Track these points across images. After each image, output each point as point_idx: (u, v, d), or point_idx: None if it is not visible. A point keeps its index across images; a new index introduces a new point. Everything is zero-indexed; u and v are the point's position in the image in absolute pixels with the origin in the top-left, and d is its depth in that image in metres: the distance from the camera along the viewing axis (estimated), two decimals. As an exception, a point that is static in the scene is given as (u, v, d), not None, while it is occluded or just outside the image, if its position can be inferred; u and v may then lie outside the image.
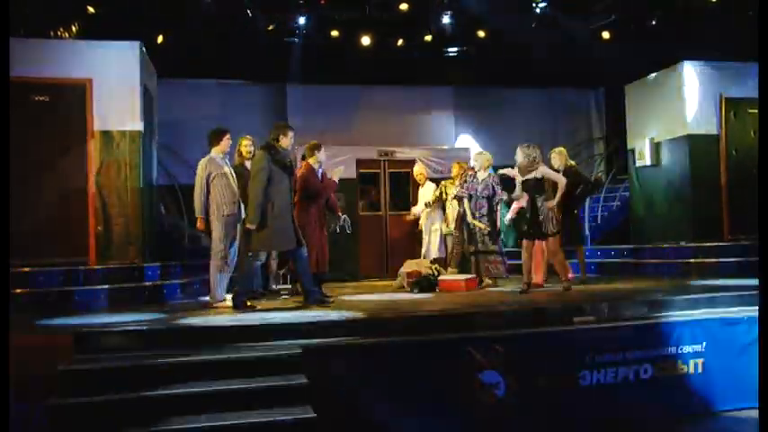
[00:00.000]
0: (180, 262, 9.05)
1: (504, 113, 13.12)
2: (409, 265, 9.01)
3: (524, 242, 7.99)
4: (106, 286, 7.72)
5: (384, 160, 12.21)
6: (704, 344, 6.31)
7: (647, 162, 11.03)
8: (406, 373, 5.53)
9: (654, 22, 10.71)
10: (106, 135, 8.38)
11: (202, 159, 7.22)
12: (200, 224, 7.22)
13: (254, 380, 4.99)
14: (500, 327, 6.00)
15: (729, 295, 6.90)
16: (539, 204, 7.78)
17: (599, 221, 12.10)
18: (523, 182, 7.84)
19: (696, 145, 10.31)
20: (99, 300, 7.55)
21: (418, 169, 10.54)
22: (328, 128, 11.87)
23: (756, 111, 10.38)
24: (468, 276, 8.74)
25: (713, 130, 10.33)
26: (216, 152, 7.23)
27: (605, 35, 11.25)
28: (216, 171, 7.13)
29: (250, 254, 6.96)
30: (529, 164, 7.77)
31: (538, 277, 8.54)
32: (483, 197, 8.71)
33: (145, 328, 5.71)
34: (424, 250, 10.15)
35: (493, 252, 8.67)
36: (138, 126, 8.54)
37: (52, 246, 8.00)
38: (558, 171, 8.54)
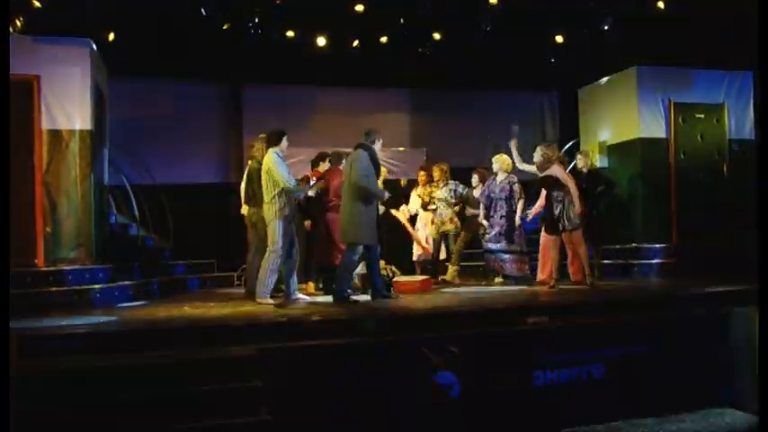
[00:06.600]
0: (132, 264, 8.87)
1: (459, 115, 13.17)
2: (363, 267, 8.96)
3: (548, 238, 8.46)
4: (54, 288, 7.54)
5: (340, 161, 12.10)
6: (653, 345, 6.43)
7: (599, 165, 11.20)
8: (361, 375, 5.51)
9: (606, 28, 10.89)
10: (55, 134, 8.17)
11: (272, 155, 7.37)
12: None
13: (208, 382, 4.91)
14: (455, 327, 6.04)
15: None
16: (554, 201, 8.15)
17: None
18: (542, 178, 8.32)
19: (646, 148, 10.52)
20: (47, 302, 7.33)
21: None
22: (284, 128, 11.74)
23: (703, 116, 10.72)
24: (423, 277, 8.76)
25: (662, 134, 10.56)
26: (279, 150, 7.46)
27: (559, 39, 11.41)
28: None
29: (347, 248, 7.28)
30: (543, 162, 8.27)
31: (543, 274, 8.76)
32: (501, 198, 9.07)
33: (94, 330, 5.60)
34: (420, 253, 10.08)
35: (512, 252, 8.95)
36: (89, 125, 8.34)
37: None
38: (581, 171, 9.22)
